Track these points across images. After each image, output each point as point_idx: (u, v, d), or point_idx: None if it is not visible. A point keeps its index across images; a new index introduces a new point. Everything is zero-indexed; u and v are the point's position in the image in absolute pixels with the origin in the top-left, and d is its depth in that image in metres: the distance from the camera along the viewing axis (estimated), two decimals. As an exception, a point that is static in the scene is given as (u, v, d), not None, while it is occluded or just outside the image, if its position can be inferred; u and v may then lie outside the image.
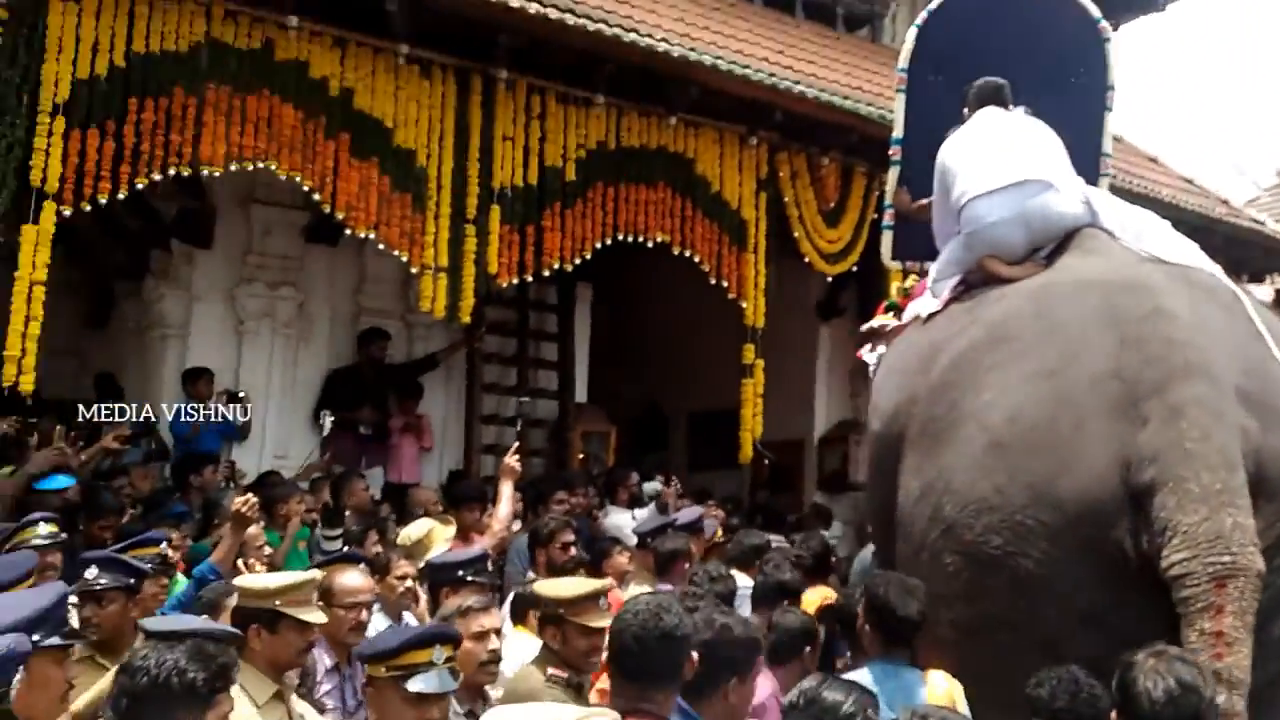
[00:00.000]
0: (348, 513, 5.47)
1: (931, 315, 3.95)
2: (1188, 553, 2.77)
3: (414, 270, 5.92)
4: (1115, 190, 8.06)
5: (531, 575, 4.70)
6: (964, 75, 4.80)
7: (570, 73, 6.24)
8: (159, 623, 2.71)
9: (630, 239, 6.62)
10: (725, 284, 6.98)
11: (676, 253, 6.83)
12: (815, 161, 7.31)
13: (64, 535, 3.89)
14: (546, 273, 6.35)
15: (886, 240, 5.34)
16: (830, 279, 8.09)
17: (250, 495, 3.97)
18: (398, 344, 7.59)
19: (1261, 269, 10.41)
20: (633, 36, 6.05)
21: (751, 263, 7.06)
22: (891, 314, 4.84)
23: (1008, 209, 3.78)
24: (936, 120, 4.66)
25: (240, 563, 3.95)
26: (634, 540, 5.86)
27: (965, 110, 4.34)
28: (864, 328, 5.06)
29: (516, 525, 6.14)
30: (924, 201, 4.88)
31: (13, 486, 4.66)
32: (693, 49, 6.39)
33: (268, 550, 4.35)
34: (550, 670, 3.06)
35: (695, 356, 9.37)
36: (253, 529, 4.10)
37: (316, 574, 3.15)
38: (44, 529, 3.71)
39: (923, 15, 5.15)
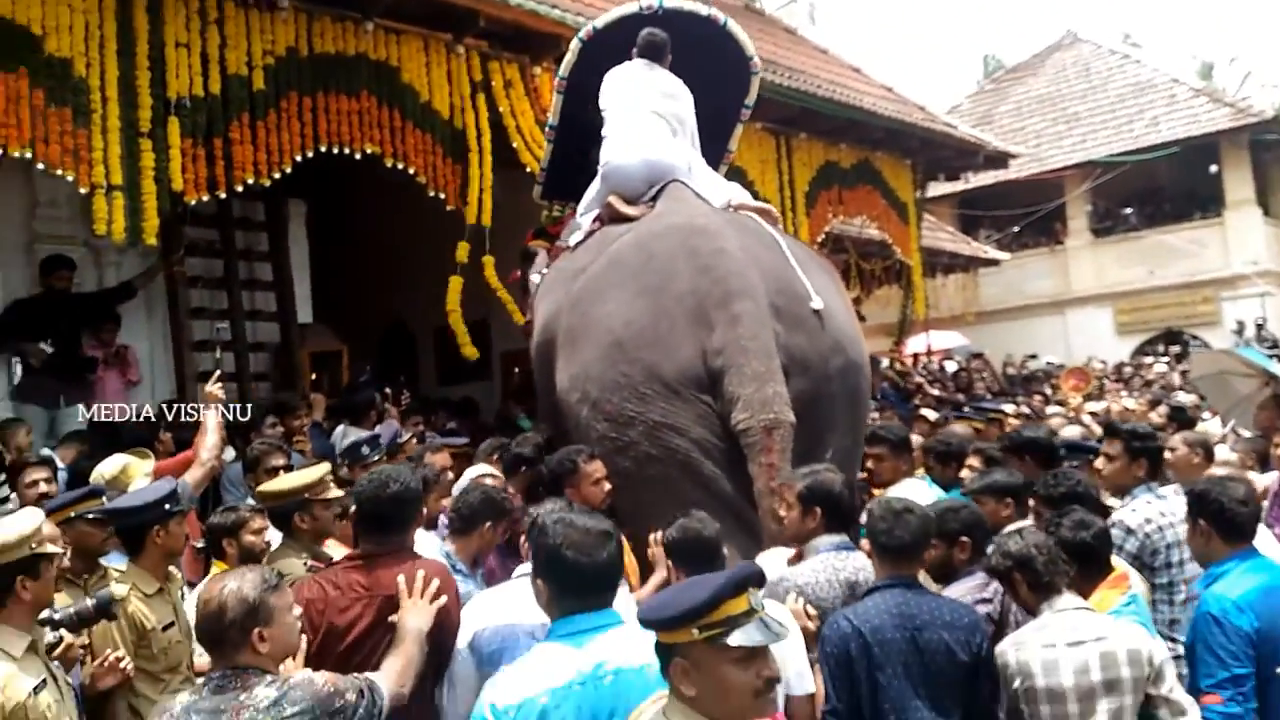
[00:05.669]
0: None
1: (577, 244, 4.91)
2: (747, 414, 4.02)
3: (83, 190, 5.41)
4: (820, 99, 8.63)
5: (251, 503, 4.55)
6: None
7: (248, -27, 5.81)
8: None
9: (335, 151, 6.33)
10: (443, 195, 6.85)
11: (390, 164, 6.61)
12: (528, 71, 7.24)
13: None
14: (240, 188, 5.97)
15: (537, 187, 6.50)
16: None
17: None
18: (86, 272, 6.99)
19: (956, 168, 11.39)
20: (311, -66, 5.69)
21: (474, 165, 6.89)
22: (542, 239, 5.93)
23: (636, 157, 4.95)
24: (587, 120, 5.56)
25: None
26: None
27: (634, 51, 5.36)
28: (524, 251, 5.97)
29: (230, 454, 5.93)
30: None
31: None
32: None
33: None
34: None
35: (438, 270, 9.22)
36: None
37: None
38: None
39: (588, 29, 5.85)
